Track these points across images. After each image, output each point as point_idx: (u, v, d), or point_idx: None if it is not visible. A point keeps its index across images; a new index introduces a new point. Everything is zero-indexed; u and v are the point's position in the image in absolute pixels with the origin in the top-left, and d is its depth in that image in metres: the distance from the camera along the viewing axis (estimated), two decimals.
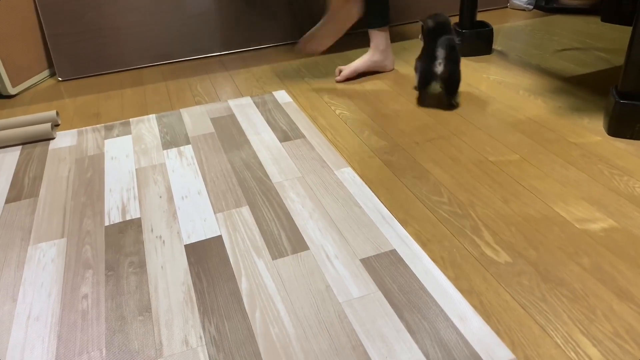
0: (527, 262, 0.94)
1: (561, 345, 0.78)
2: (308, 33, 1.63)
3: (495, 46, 2.05)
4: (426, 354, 0.77)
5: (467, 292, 0.89)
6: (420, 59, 1.57)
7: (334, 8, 1.58)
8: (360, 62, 1.75)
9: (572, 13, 2.42)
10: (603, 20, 2.27)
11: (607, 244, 0.97)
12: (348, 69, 1.76)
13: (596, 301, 0.85)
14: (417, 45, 2.14)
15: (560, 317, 0.83)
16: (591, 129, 1.38)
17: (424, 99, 1.61)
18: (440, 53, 1.49)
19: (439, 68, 1.50)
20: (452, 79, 1.54)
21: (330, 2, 1.58)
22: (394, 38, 2.24)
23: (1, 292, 0.97)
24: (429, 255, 0.98)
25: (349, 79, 1.77)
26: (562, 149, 1.30)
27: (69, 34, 2.03)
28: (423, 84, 1.58)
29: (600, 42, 2.03)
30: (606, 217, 1.04)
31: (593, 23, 2.27)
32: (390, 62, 1.83)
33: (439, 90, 1.59)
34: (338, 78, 1.77)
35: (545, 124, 1.43)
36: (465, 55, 1.97)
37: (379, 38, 1.67)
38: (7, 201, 1.26)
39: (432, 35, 1.52)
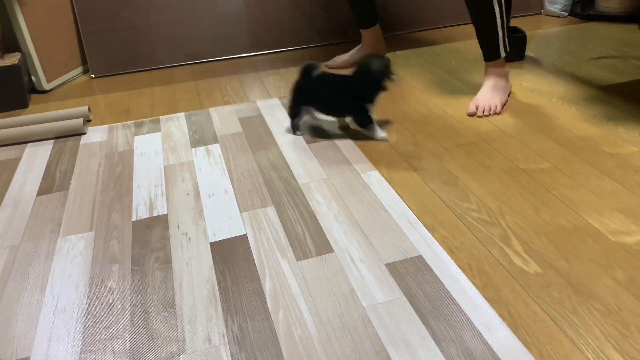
0: (558, 274, 0.92)
1: None
2: (340, 57, 2.01)
3: (528, 53, 2.01)
4: None
5: (495, 301, 0.87)
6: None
7: (366, 45, 1.98)
8: (349, 55, 2.00)
9: (609, 20, 2.36)
10: None
11: None
12: (341, 58, 2.00)
13: (630, 316, 0.82)
14: (446, 50, 2.11)
15: (592, 331, 0.80)
16: (627, 139, 1.34)
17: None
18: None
19: None
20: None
21: (364, 39, 1.98)
22: (425, 43, 2.23)
23: (30, 282, 0.99)
24: (456, 262, 0.96)
25: (340, 67, 1.97)
26: (597, 159, 1.26)
27: (103, 31, 2.07)
28: None
29: (637, 50, 1.98)
30: None
31: (631, 31, 2.20)
32: (382, 52, 1.99)
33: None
34: (330, 63, 1.98)
35: (579, 133, 1.39)
36: None
37: (366, 35, 1.96)
38: (39, 193, 1.29)
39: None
